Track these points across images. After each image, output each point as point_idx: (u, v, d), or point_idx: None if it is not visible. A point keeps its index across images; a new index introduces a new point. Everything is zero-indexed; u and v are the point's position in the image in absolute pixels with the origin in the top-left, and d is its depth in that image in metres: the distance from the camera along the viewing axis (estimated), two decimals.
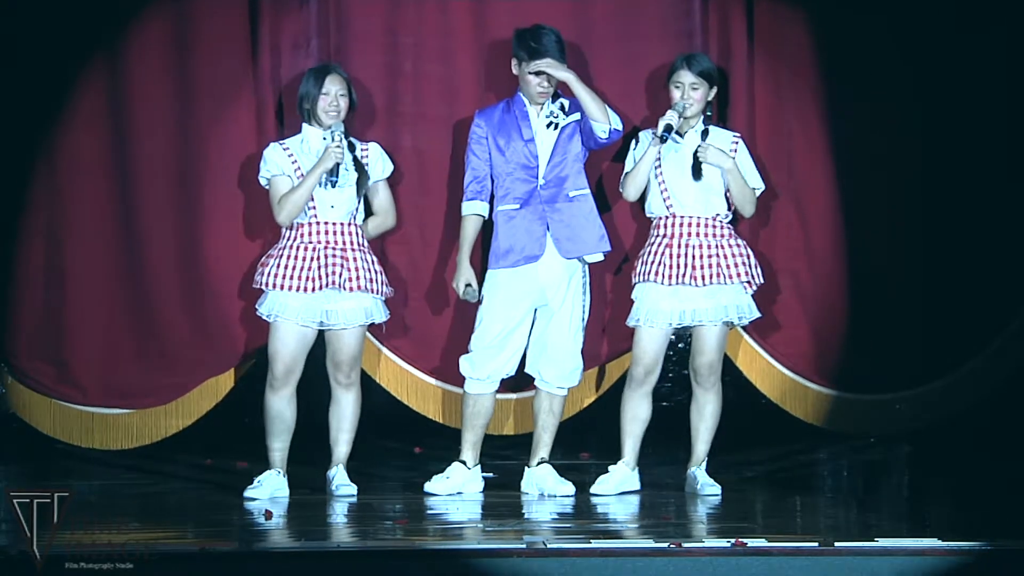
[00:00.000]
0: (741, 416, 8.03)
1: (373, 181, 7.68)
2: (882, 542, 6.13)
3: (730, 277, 7.59)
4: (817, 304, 8.02)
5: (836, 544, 6.06)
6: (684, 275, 7.57)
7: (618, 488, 7.65)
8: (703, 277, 7.57)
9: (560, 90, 7.67)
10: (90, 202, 7.88)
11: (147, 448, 7.94)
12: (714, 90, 7.66)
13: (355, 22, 7.95)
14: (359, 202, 7.63)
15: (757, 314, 7.68)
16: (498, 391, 7.76)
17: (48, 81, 7.85)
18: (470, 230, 7.69)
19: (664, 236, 7.65)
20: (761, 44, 7.95)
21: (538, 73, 7.57)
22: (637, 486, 7.69)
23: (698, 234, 7.62)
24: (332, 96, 7.57)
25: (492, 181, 7.69)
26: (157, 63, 7.87)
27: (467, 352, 7.68)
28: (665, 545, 6.04)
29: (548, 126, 7.65)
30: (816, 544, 6.09)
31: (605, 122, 7.52)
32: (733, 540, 6.05)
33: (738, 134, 7.75)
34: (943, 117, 7.96)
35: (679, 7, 7.99)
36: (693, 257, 7.59)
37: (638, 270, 7.69)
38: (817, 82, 7.97)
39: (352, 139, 7.67)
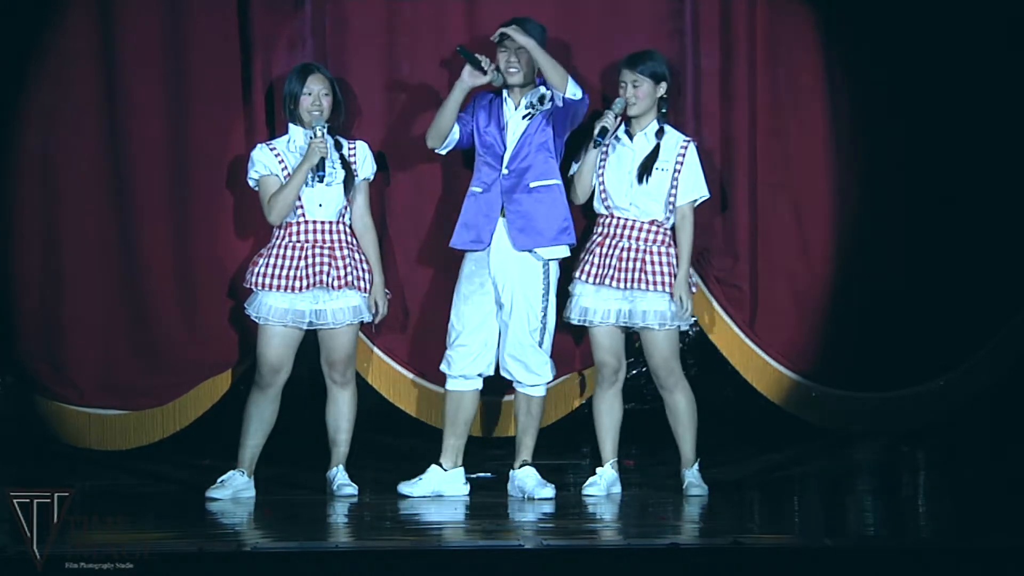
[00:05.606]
0: (739, 415, 8.04)
1: (359, 180, 7.68)
2: (881, 542, 6.15)
3: (653, 284, 7.56)
4: (815, 303, 8.02)
5: (834, 544, 6.08)
6: (606, 276, 7.57)
7: (608, 489, 7.66)
8: (624, 280, 7.55)
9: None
10: (86, 204, 7.87)
11: (144, 449, 7.94)
12: (662, 86, 7.61)
13: (352, 22, 7.95)
14: (347, 200, 7.63)
15: (678, 323, 7.64)
16: (488, 394, 7.79)
17: (43, 83, 7.84)
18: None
19: (599, 235, 7.65)
20: (761, 43, 7.96)
21: (500, 42, 7.54)
22: (619, 487, 7.70)
23: (629, 236, 7.60)
24: (315, 95, 7.57)
25: (462, 140, 7.66)
26: (150, 65, 7.86)
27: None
28: (663, 545, 6.05)
29: (524, 117, 7.66)
30: (815, 544, 6.11)
31: (564, 89, 7.43)
32: (731, 539, 6.06)
33: (689, 138, 7.71)
34: (943, 117, 7.96)
35: (669, 6, 7.99)
36: (619, 259, 7.57)
37: (576, 266, 7.68)
38: (817, 82, 7.98)
39: (339, 137, 7.67)
